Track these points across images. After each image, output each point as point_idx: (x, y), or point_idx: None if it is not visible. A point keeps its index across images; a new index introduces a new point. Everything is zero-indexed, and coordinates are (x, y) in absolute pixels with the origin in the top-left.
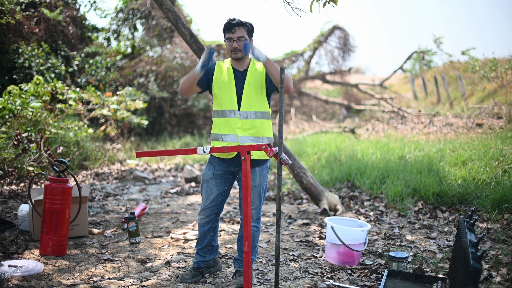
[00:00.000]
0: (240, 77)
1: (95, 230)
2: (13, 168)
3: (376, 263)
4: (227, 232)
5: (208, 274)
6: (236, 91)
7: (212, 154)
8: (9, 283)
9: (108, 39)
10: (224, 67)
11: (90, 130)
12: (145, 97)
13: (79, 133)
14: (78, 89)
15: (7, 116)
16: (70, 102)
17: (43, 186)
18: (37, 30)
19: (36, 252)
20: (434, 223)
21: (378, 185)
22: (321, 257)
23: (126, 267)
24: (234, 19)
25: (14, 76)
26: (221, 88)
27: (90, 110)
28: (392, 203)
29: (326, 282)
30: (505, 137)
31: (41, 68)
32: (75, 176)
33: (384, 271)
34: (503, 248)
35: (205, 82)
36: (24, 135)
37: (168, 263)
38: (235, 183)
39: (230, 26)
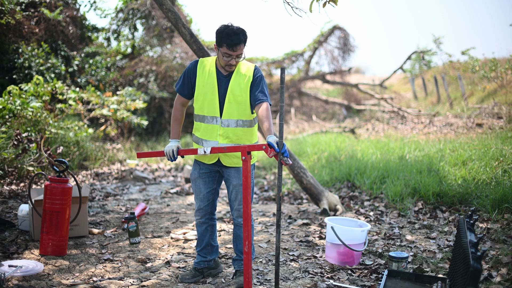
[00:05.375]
0: (223, 81)
1: (95, 230)
2: (13, 168)
3: (376, 263)
4: (227, 232)
5: (208, 275)
6: (218, 97)
7: (194, 156)
8: (9, 283)
9: (108, 39)
10: (207, 69)
11: (90, 130)
12: (145, 97)
13: (79, 133)
14: (78, 89)
15: (7, 116)
16: (70, 102)
17: (43, 186)
18: (37, 30)
19: (36, 252)
20: (434, 223)
21: (378, 185)
22: (321, 257)
23: (126, 267)
24: (238, 34)
25: (14, 76)
26: (203, 93)
27: (90, 110)
28: (392, 203)
29: (326, 282)
30: (505, 137)
31: (41, 68)
32: (75, 176)
33: (384, 271)
34: (503, 248)
35: (192, 92)
36: (24, 135)
37: (168, 263)
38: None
39: (234, 44)
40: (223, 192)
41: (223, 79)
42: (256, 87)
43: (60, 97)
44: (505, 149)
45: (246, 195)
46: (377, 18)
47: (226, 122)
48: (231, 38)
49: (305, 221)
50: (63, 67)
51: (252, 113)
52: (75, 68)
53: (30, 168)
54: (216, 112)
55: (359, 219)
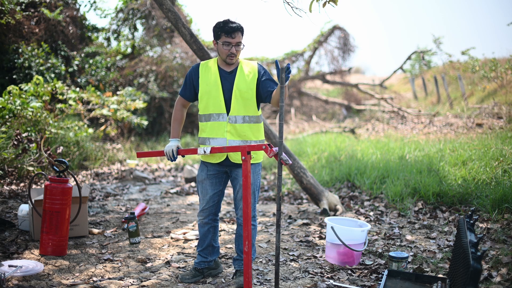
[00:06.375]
0: (227, 78)
1: (95, 230)
2: (13, 168)
3: (376, 263)
4: (227, 232)
5: (208, 275)
6: (223, 94)
7: (201, 158)
8: (9, 283)
9: (108, 39)
10: (209, 68)
11: (90, 130)
12: (145, 97)
13: (79, 133)
14: (78, 89)
15: (7, 116)
16: (70, 102)
17: (43, 186)
18: (37, 30)
19: (36, 252)
20: (434, 223)
21: (378, 185)
22: (321, 257)
23: (126, 267)
24: (234, 22)
25: (14, 76)
26: (207, 92)
27: (90, 110)
28: (392, 203)
29: (326, 282)
30: (505, 137)
31: (41, 68)
32: (75, 176)
33: (384, 271)
34: (503, 248)
35: (193, 94)
36: (24, 135)
37: (168, 263)
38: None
39: (231, 30)
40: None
41: (227, 76)
42: (266, 78)
43: (60, 97)
44: (505, 149)
45: (246, 195)
46: (377, 18)
47: (233, 118)
48: (228, 25)
49: (305, 221)
50: (63, 67)
51: (258, 109)
52: (75, 68)
53: (30, 168)
54: (222, 109)
55: (359, 219)
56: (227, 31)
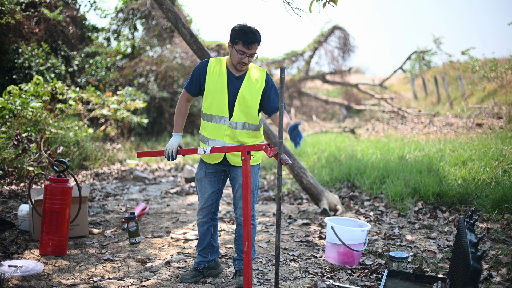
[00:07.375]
0: (234, 82)
1: (95, 230)
2: (13, 168)
3: (376, 263)
4: (227, 232)
5: (208, 275)
6: (228, 97)
7: (200, 156)
8: (9, 283)
9: (108, 39)
10: (218, 68)
11: (90, 130)
12: (145, 97)
13: (79, 133)
14: (78, 89)
15: (7, 116)
16: (70, 102)
17: (43, 186)
18: (37, 30)
19: (36, 252)
20: (434, 223)
21: (378, 185)
22: (321, 257)
23: (126, 267)
24: (255, 32)
25: (14, 76)
26: (212, 92)
27: (90, 110)
28: (392, 203)
29: (326, 282)
30: (505, 137)
31: (41, 68)
32: (75, 176)
33: (384, 271)
34: (503, 248)
35: (198, 90)
36: (24, 135)
37: (168, 263)
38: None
39: (249, 42)
40: (224, 192)
41: (234, 80)
42: (274, 94)
43: (60, 97)
44: (505, 149)
45: (246, 195)
46: (377, 18)
47: (234, 124)
48: (248, 36)
49: (305, 221)
50: (63, 67)
51: (258, 114)
52: (75, 68)
53: (30, 168)
54: (225, 112)
55: (359, 219)
56: (245, 41)
